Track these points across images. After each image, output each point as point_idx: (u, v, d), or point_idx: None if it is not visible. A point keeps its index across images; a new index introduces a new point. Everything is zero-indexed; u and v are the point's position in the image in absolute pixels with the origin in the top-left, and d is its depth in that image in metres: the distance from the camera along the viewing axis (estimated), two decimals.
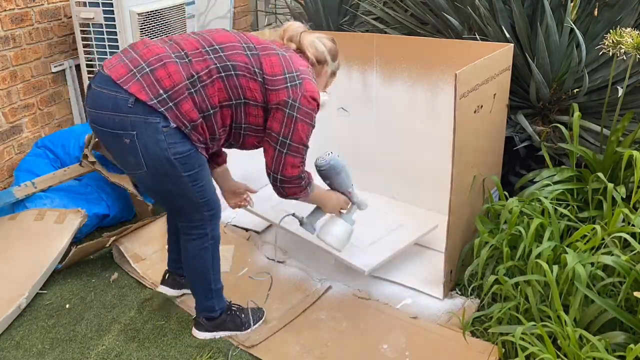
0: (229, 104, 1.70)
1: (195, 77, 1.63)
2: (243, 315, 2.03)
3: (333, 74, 1.99)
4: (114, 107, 1.60)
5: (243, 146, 1.86)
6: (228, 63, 1.67)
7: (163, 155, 1.63)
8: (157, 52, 1.64)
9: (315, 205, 2.09)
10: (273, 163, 1.77)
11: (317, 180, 1.98)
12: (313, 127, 1.78)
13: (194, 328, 2.03)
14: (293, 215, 2.10)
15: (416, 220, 2.51)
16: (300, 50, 1.85)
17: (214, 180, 1.95)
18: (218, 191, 1.94)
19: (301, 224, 2.10)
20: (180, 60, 1.63)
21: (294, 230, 2.38)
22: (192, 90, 1.63)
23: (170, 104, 1.60)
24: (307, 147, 1.79)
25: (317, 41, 1.88)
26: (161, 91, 1.59)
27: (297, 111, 1.71)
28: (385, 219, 2.53)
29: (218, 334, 2.01)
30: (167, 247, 2.18)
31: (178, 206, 1.82)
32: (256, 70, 1.69)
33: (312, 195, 1.91)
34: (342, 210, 2.09)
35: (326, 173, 2.00)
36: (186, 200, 1.77)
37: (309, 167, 1.88)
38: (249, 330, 2.02)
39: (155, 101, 1.59)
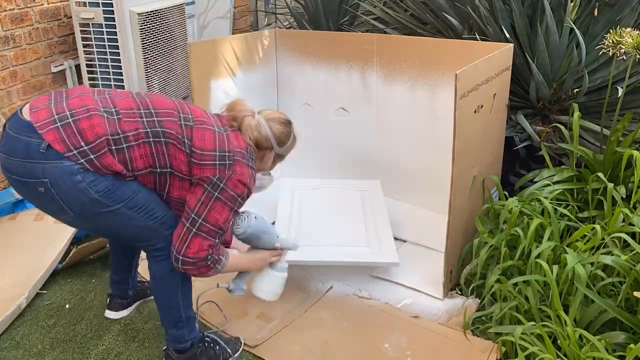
0: (153, 171, 1.60)
1: (121, 135, 1.53)
2: (217, 348, 1.86)
3: (280, 157, 1.85)
4: (25, 154, 1.48)
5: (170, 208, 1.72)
6: (159, 129, 1.57)
7: (85, 197, 1.51)
8: (86, 103, 1.54)
9: None
10: (178, 241, 1.62)
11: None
12: (235, 213, 1.66)
13: None
14: (217, 286, 1.94)
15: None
16: (240, 131, 1.72)
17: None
18: None
19: (230, 291, 1.91)
20: (109, 115, 1.54)
21: (313, 260, 2.25)
22: (114, 147, 1.52)
23: (92, 156, 1.50)
24: (221, 231, 1.64)
25: (264, 124, 1.74)
26: (82, 142, 1.49)
27: (220, 192, 1.60)
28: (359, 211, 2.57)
29: None
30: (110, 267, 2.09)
31: (131, 236, 1.69)
32: (186, 141, 1.59)
33: (231, 266, 1.76)
34: (271, 262, 1.93)
35: (247, 239, 1.85)
36: (135, 228, 1.63)
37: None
38: None
39: (74, 152, 1.48)
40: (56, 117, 1.50)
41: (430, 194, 2.61)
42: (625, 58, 2.12)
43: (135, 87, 3.07)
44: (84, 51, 3.04)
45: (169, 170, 1.61)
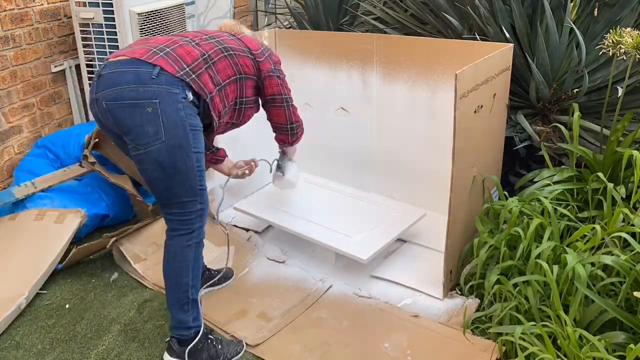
0: (234, 78, 1.91)
1: (206, 55, 1.83)
2: (220, 347, 1.90)
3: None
4: (136, 80, 1.69)
5: (242, 121, 2.06)
6: (226, 45, 1.91)
7: (181, 123, 1.73)
8: (167, 39, 1.84)
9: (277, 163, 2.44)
10: (287, 118, 2.11)
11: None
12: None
13: (165, 352, 1.90)
14: (268, 162, 2.45)
15: (402, 211, 2.57)
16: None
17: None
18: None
19: (278, 167, 2.42)
20: (191, 43, 1.84)
21: (294, 230, 2.40)
22: (205, 66, 1.81)
23: (193, 76, 1.76)
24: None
25: (245, 29, 2.14)
26: (184, 65, 1.76)
27: (279, 72, 2.04)
28: (373, 209, 2.60)
29: None
30: None
31: (178, 191, 1.79)
32: (244, 49, 1.95)
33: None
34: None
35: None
36: (187, 184, 1.79)
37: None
38: None
39: (182, 73, 1.74)
40: (155, 49, 1.76)
41: (430, 193, 2.61)
42: (625, 58, 2.12)
43: None
44: (84, 51, 3.04)
45: (243, 75, 1.94)
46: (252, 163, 2.31)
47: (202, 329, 1.89)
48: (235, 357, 1.91)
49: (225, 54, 1.89)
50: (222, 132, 2.10)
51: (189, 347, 1.85)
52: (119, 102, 1.70)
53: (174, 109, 1.71)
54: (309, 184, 2.86)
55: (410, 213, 2.53)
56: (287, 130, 2.16)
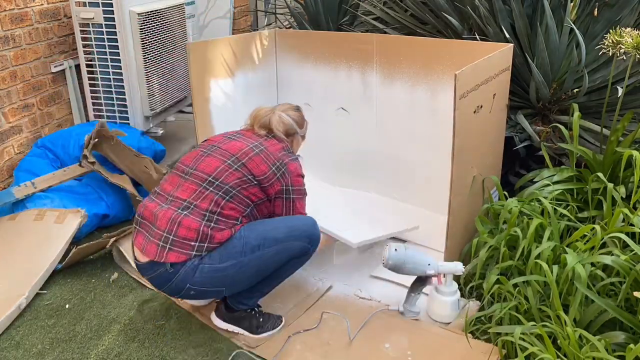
0: (245, 213, 1.89)
1: (208, 213, 1.82)
2: (262, 320, 2.03)
3: (303, 137, 2.19)
4: (163, 282, 1.82)
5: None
6: (226, 187, 1.86)
7: (218, 272, 1.81)
8: (168, 216, 1.82)
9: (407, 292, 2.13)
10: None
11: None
12: (306, 194, 2.02)
13: (213, 312, 2.07)
14: (388, 308, 2.14)
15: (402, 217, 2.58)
16: (271, 132, 2.03)
17: None
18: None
19: (402, 314, 2.11)
20: (188, 210, 1.83)
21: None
22: (211, 223, 1.81)
23: (204, 245, 1.79)
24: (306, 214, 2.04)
25: (284, 116, 2.07)
26: (193, 243, 1.79)
27: (293, 193, 1.96)
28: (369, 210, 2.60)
29: (231, 327, 2.03)
30: None
31: (272, 263, 1.91)
32: (249, 177, 1.89)
33: None
34: (437, 286, 2.07)
35: (394, 268, 2.05)
36: (273, 257, 1.90)
37: None
38: (260, 335, 2.01)
39: (193, 253, 1.78)
40: (161, 242, 1.80)
41: (430, 194, 2.61)
42: (625, 58, 2.12)
43: (134, 87, 3.08)
44: (84, 51, 3.04)
45: (252, 205, 1.91)
46: None
47: (252, 305, 2.03)
48: (274, 330, 2.03)
49: (227, 197, 1.86)
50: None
51: (235, 314, 2.01)
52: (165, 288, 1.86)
53: (202, 273, 1.79)
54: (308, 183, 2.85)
55: (404, 220, 2.54)
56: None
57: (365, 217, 2.52)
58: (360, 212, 2.56)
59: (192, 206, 1.83)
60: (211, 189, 1.86)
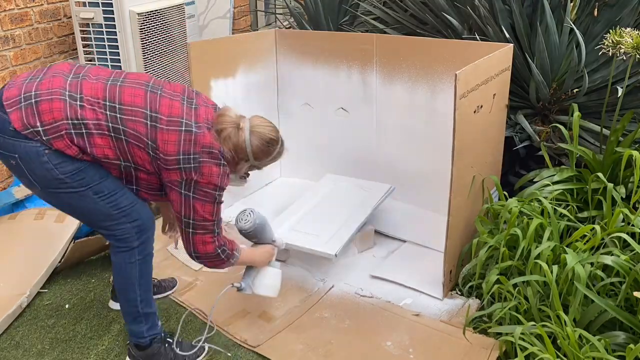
0: (116, 163, 1.63)
1: (81, 122, 1.56)
2: (179, 350, 1.88)
3: (255, 167, 1.83)
4: (1, 129, 1.56)
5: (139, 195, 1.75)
6: (120, 127, 1.59)
7: (51, 175, 1.58)
8: (54, 85, 1.57)
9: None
10: (185, 241, 1.72)
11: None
12: (218, 204, 1.69)
13: (127, 356, 1.91)
14: (232, 285, 1.96)
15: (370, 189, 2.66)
16: (220, 133, 1.68)
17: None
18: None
19: (239, 289, 1.97)
20: (72, 101, 1.57)
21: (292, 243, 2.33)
22: (73, 131, 1.55)
23: (45, 138, 1.54)
24: (214, 223, 1.69)
25: (246, 137, 1.71)
26: (38, 123, 1.53)
27: (194, 192, 1.64)
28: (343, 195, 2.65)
29: None
30: None
31: (92, 220, 1.73)
32: (149, 142, 1.60)
33: (243, 258, 1.87)
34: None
35: (253, 233, 1.93)
36: (97, 213, 1.67)
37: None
38: None
39: (29, 131, 1.53)
40: (22, 96, 1.56)
41: (430, 194, 2.61)
42: (625, 58, 2.12)
43: None
44: (84, 51, 3.04)
45: (132, 165, 1.65)
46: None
47: (159, 335, 1.87)
48: None
49: (112, 134, 1.58)
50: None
51: (146, 352, 1.85)
52: None
53: (38, 163, 1.56)
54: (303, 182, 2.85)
55: (378, 189, 2.62)
56: (192, 258, 1.77)
57: (342, 206, 2.54)
58: (336, 205, 2.58)
59: (78, 102, 1.58)
60: (107, 112, 1.59)
